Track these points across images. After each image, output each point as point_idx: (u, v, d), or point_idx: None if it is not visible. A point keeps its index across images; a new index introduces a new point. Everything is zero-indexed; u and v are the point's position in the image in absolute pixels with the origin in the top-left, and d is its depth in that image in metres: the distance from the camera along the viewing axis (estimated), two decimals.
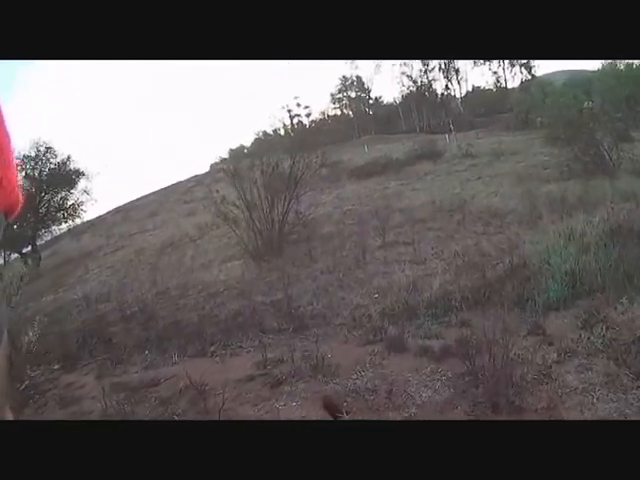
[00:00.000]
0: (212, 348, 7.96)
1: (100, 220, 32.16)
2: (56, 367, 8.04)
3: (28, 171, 22.22)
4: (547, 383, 5.13)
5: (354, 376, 6.07)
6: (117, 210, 33.96)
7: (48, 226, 23.63)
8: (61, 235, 27.60)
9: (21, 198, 0.88)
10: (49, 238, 24.93)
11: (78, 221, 25.36)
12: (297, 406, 5.61)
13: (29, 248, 20.77)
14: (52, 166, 23.06)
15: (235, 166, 13.10)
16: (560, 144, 18.75)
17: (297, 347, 7.46)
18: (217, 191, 12.90)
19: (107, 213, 34.79)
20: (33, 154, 22.72)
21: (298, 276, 10.13)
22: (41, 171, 22.71)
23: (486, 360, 5.42)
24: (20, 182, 0.90)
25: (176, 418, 5.77)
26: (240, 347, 7.99)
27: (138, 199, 36.83)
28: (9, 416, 1.04)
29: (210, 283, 10.98)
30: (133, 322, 9.61)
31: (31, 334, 7.29)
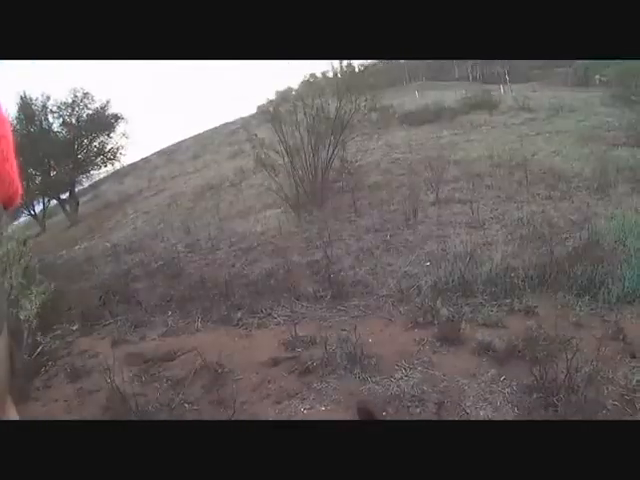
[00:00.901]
0: (239, 314, 6.97)
1: (144, 162, 31.23)
2: (74, 327, 7.23)
3: (65, 118, 21.53)
4: (631, 414, 3.91)
5: (398, 375, 4.96)
6: (162, 152, 32.84)
7: (87, 171, 22.95)
8: (105, 178, 26.91)
9: (20, 189, 0.87)
10: (90, 183, 24.27)
11: (118, 165, 24.74)
12: (326, 411, 4.50)
13: (67, 194, 20.05)
14: (90, 112, 22.27)
15: (276, 107, 11.63)
16: (623, 104, 16.59)
17: (333, 323, 6.34)
18: (255, 135, 11.52)
19: (152, 155, 33.79)
20: (70, 100, 21.91)
21: (340, 233, 8.85)
22: (79, 117, 21.91)
23: (559, 371, 4.35)
24: (17, 173, 0.84)
25: (186, 407, 4.88)
26: (269, 315, 6.93)
27: (183, 140, 35.62)
28: (11, 409, 1.06)
29: (244, 235, 9.83)
30: (158, 277, 8.64)
31: (46, 291, 6.29)
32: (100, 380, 5.39)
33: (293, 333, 6.18)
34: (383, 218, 9.02)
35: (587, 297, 6.05)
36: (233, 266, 8.58)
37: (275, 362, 5.68)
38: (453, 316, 6.14)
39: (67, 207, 19.15)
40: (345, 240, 8.50)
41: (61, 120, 21.20)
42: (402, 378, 5.01)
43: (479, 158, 13.14)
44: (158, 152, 33.48)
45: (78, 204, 19.88)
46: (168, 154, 31.01)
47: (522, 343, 5.14)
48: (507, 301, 6.30)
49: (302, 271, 7.83)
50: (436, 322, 6.07)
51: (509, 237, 7.63)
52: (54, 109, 21.08)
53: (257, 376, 5.27)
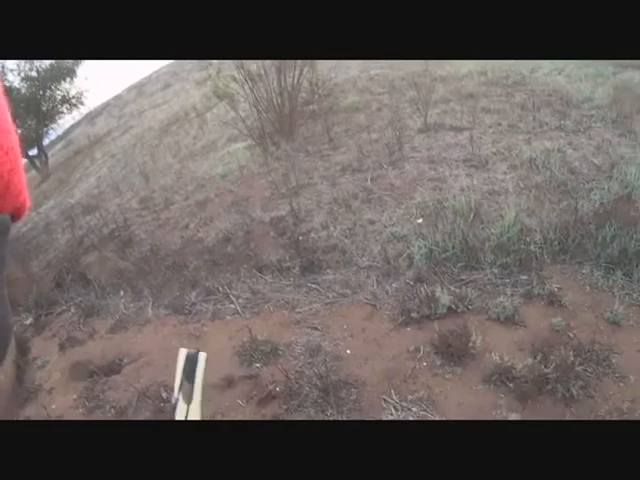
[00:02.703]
0: (192, 296, 5.59)
1: (116, 99, 27.67)
2: (28, 322, 6.12)
3: (26, 72, 19.12)
4: None
5: (385, 418, 3.57)
6: (132, 86, 29.11)
7: (54, 121, 20.63)
8: (78, 123, 24.20)
9: (29, 201, 0.74)
10: (64, 130, 21.96)
11: (86, 110, 22.47)
12: None
13: (36, 150, 17.78)
14: (49, 61, 19.70)
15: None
16: None
17: (302, 314, 4.84)
18: (210, 63, 9.23)
19: (123, 90, 30.10)
20: None
21: (311, 175, 6.95)
22: (38, 70, 19.49)
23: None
24: (25, 184, 0.69)
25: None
26: (227, 297, 5.31)
27: (155, 71, 31.60)
28: None
29: (202, 183, 7.88)
30: (110, 246, 7.10)
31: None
32: (41, 409, 4.44)
33: (251, 335, 4.59)
34: (362, 152, 7.05)
35: (619, 272, 4.49)
36: (187, 227, 6.85)
37: (229, 383, 4.34)
38: (456, 306, 4.52)
39: (37, 163, 16.98)
40: (316, 185, 6.61)
41: (22, 76, 18.90)
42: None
43: (470, 74, 10.65)
44: (129, 87, 29.76)
45: (47, 158, 17.59)
46: (138, 87, 27.41)
47: (552, 370, 3.63)
48: (523, 278, 4.72)
49: (265, 232, 6.08)
50: (435, 316, 4.45)
51: (521, 184, 5.76)
52: (13, 67, 18.70)
53: (208, 405, 3.76)
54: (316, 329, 4.62)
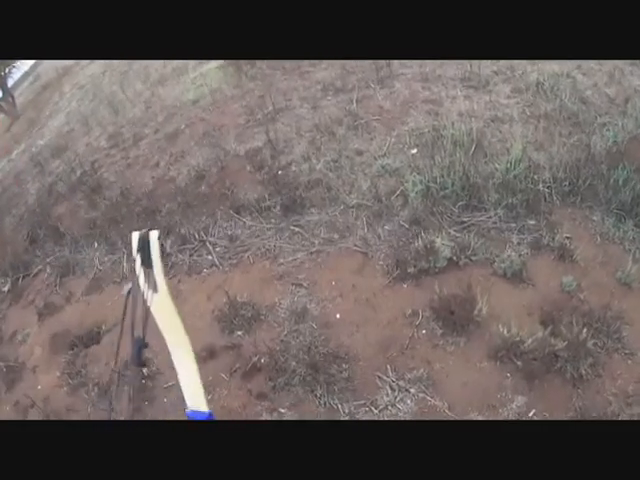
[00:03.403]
0: (167, 245, 4.98)
1: None
2: (6, 289, 5.63)
3: None
4: None
5: (380, 400, 3.25)
6: None
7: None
8: None
9: None
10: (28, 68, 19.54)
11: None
12: None
13: (0, 93, 15.66)
14: None
15: None
16: None
17: (286, 266, 4.38)
18: None
19: None
20: None
21: (289, 96, 6.09)
22: None
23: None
24: None
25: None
26: (203, 245, 4.83)
27: None
28: None
29: (173, 111, 6.93)
30: (79, 194, 6.31)
31: None
32: (35, 387, 4.34)
33: (230, 295, 4.06)
34: (345, 67, 6.16)
35: (631, 222, 4.10)
36: (157, 165, 6.07)
37: (211, 353, 3.96)
38: (457, 257, 3.97)
39: (3, 106, 15.19)
40: (295, 109, 5.80)
41: None
42: (386, 408, 3.06)
43: None
44: None
45: (14, 98, 15.73)
46: None
47: (562, 347, 3.29)
48: (531, 223, 4.23)
49: (241, 166, 5.38)
50: (434, 269, 3.90)
51: (527, 112, 5.00)
52: None
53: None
54: (301, 286, 4.09)
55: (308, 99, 5.88)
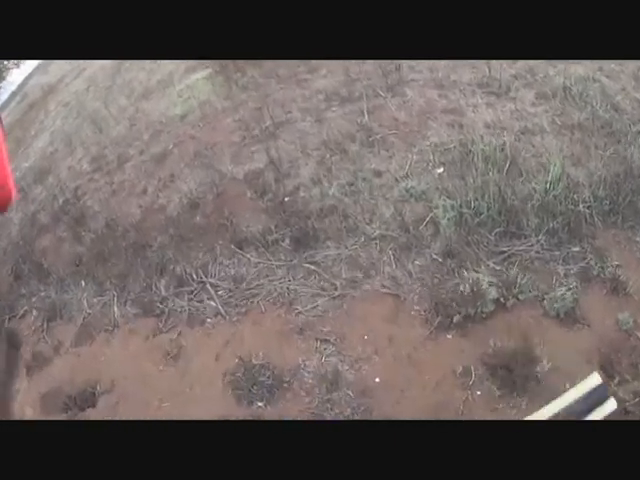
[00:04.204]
0: (162, 287, 4.37)
1: None
2: None
3: None
4: None
5: None
6: None
7: (2, 78, 17.24)
8: (32, 73, 20.73)
9: (13, 193, 0.85)
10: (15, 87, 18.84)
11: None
12: None
13: None
14: None
15: None
16: None
17: (303, 317, 3.68)
18: None
19: None
20: None
21: (288, 108, 5.40)
22: None
23: None
24: (10, 177, 0.81)
25: None
26: (203, 287, 4.22)
27: None
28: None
29: (160, 128, 6.20)
30: (62, 226, 5.63)
31: None
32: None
33: (243, 357, 3.43)
34: (348, 73, 5.49)
35: None
36: (145, 192, 5.36)
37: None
38: (505, 297, 3.40)
39: None
40: (297, 122, 5.12)
41: None
42: None
43: None
44: None
45: (1, 119, 14.89)
46: None
47: (633, 402, 2.85)
48: (575, 250, 3.67)
49: (240, 192, 4.74)
50: (481, 314, 3.32)
51: (557, 121, 4.42)
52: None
53: None
54: (327, 342, 3.46)
55: (310, 111, 5.21)
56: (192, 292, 4.21)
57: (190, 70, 7.25)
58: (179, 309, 4.13)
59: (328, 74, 5.67)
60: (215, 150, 5.22)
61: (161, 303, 4.24)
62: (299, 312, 3.73)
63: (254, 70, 6.20)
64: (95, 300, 4.67)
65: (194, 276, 4.29)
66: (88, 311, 4.62)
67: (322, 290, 3.81)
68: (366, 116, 4.83)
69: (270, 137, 4.99)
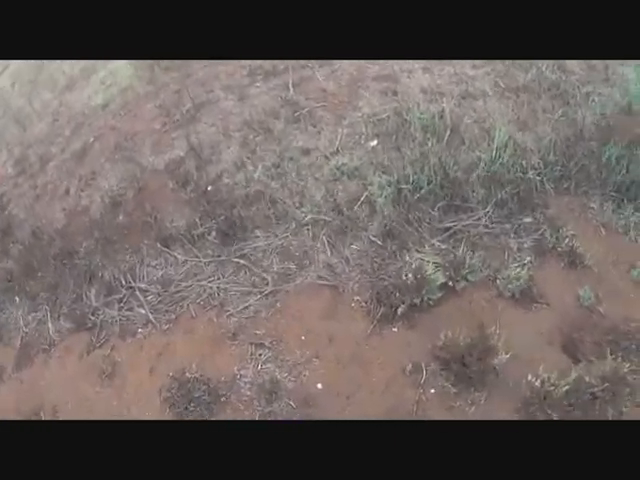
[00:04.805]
0: (92, 297, 4.00)
1: None
2: None
3: None
4: None
5: None
6: None
7: None
8: None
9: None
10: None
11: None
12: None
13: None
14: None
15: None
16: None
17: (237, 319, 3.37)
18: None
19: None
20: None
21: (210, 85, 4.89)
22: None
23: None
24: None
25: None
26: (132, 293, 3.88)
27: None
28: None
29: (81, 120, 5.67)
30: None
31: None
32: None
33: (175, 371, 3.09)
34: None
35: (631, 207, 3.55)
36: (67, 193, 4.87)
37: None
38: (453, 280, 3.09)
39: None
40: (219, 102, 4.64)
41: None
42: None
43: None
44: None
45: None
46: None
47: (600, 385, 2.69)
48: (527, 221, 3.49)
49: (162, 184, 4.31)
50: (428, 301, 3.01)
51: (501, 84, 4.09)
52: None
53: None
54: (262, 346, 3.11)
55: (233, 88, 4.74)
56: (121, 300, 3.89)
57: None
58: (110, 320, 3.83)
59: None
60: (136, 140, 4.74)
61: (93, 315, 3.94)
62: (230, 314, 3.39)
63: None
64: (30, 317, 4.40)
65: (122, 281, 3.96)
66: (25, 330, 4.35)
67: (253, 287, 3.48)
68: (291, 90, 4.41)
69: (190, 121, 4.53)
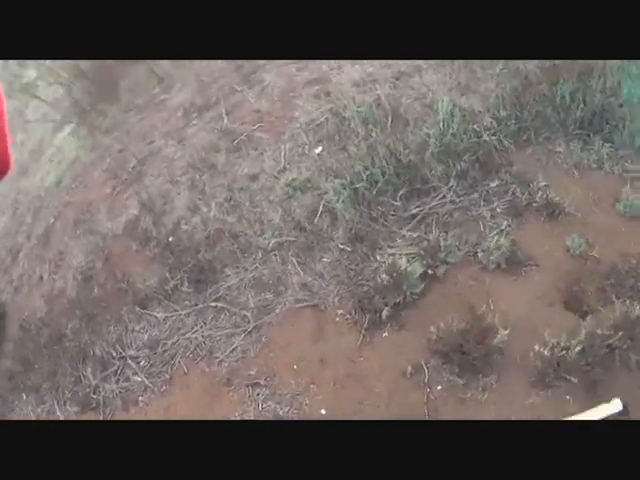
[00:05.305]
0: (90, 376, 3.82)
1: None
2: None
3: None
4: None
5: None
6: None
7: None
8: None
9: (11, 162, 0.85)
10: None
11: None
12: None
13: None
14: None
15: None
16: None
17: (224, 354, 3.30)
18: None
19: None
20: None
21: (150, 136, 4.76)
22: None
23: None
24: (10, 147, 0.83)
25: None
26: (123, 361, 3.72)
27: None
28: None
29: (39, 203, 5.49)
30: None
31: None
32: None
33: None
34: (201, 78, 4.85)
35: (598, 139, 3.36)
36: (42, 280, 4.72)
37: None
38: (431, 266, 2.95)
39: None
40: (161, 150, 4.49)
41: None
42: None
43: None
44: None
45: None
46: None
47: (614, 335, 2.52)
48: (494, 185, 3.30)
49: (125, 248, 4.16)
50: (412, 296, 2.86)
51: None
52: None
53: None
54: (258, 385, 2.95)
55: (171, 133, 4.61)
56: (117, 372, 3.72)
57: (58, 129, 6.51)
58: (111, 395, 3.67)
59: (183, 87, 5.04)
60: (91, 210, 4.62)
61: (94, 393, 3.78)
62: (220, 360, 3.23)
63: (113, 108, 5.51)
64: (39, 409, 4.14)
65: (113, 353, 3.79)
66: None
67: (236, 327, 3.33)
68: (225, 119, 4.26)
69: (137, 177, 4.40)
